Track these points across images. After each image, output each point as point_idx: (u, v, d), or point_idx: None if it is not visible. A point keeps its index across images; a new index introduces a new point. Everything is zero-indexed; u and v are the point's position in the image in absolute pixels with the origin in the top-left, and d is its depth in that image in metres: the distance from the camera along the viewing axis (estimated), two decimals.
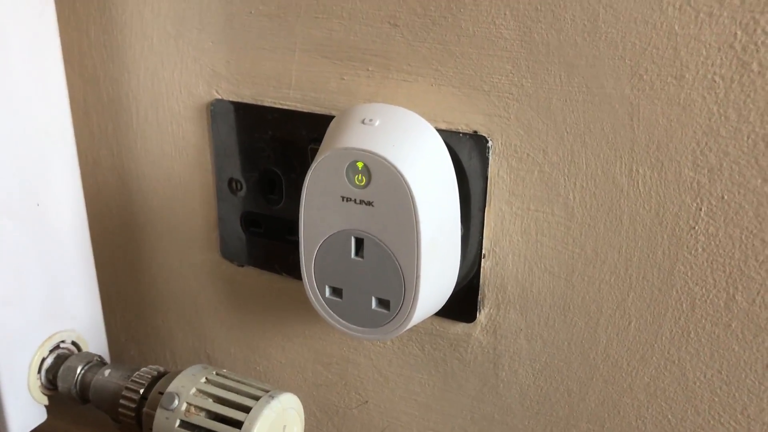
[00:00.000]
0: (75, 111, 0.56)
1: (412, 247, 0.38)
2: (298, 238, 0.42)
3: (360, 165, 0.38)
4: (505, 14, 0.39)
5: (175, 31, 0.50)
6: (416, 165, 0.38)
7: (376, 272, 0.40)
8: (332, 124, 0.41)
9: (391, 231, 0.39)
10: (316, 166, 0.39)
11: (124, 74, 0.54)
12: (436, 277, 0.40)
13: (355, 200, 0.39)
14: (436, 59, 0.42)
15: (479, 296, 0.45)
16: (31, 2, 0.47)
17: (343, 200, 0.39)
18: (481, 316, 0.46)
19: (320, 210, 0.40)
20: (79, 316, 0.55)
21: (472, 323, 0.46)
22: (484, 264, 0.44)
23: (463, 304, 0.45)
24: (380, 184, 0.38)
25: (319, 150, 0.40)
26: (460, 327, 0.47)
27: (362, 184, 0.38)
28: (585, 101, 0.39)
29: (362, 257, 0.40)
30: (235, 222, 0.53)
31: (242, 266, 0.54)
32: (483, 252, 0.44)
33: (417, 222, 0.38)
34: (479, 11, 0.40)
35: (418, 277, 0.39)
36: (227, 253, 0.54)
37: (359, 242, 0.40)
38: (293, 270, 0.52)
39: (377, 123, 0.39)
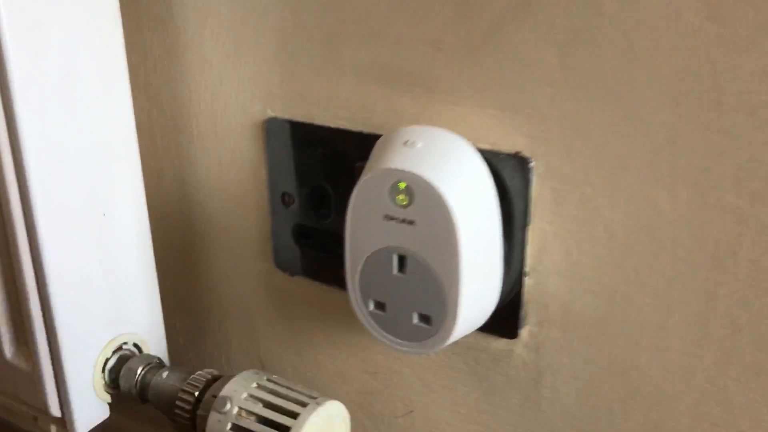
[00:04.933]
0: (140, 127, 0.59)
1: (453, 265, 0.40)
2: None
3: (402, 185, 0.40)
4: (545, 39, 0.40)
5: (233, 53, 0.53)
6: (457, 185, 0.39)
7: (418, 289, 0.41)
8: (377, 145, 0.43)
9: (432, 249, 0.40)
10: (361, 185, 0.41)
11: (186, 93, 0.57)
12: (477, 294, 0.41)
13: (397, 219, 0.40)
14: (479, 82, 0.43)
15: (521, 313, 0.46)
16: (100, 25, 0.50)
17: (386, 219, 0.41)
18: (524, 332, 0.46)
19: (364, 228, 0.42)
20: (140, 321, 0.59)
21: (515, 340, 0.47)
22: (527, 281, 0.45)
23: (505, 320, 0.46)
24: (422, 204, 0.39)
25: (364, 170, 0.42)
26: (502, 343, 0.48)
27: (404, 203, 0.40)
28: (625, 125, 0.39)
29: (404, 273, 0.42)
30: (287, 234, 0.55)
31: (294, 276, 0.57)
32: (525, 270, 0.45)
33: (458, 241, 0.39)
34: (519, 37, 0.41)
35: (458, 294, 0.40)
36: (280, 263, 0.57)
37: (401, 259, 0.42)
38: (341, 281, 0.53)
39: (419, 145, 0.40)
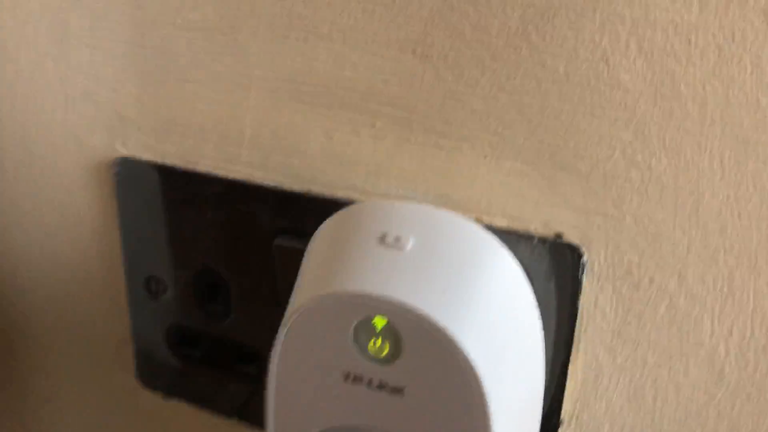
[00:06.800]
0: None
1: None
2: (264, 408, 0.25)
3: (380, 323, 0.21)
4: (628, 46, 0.22)
5: (55, 48, 0.32)
6: (485, 328, 0.21)
7: None
8: (322, 236, 0.24)
9: None
10: (298, 318, 0.22)
11: None
12: None
13: (370, 382, 0.22)
14: (495, 116, 0.25)
15: None
16: None
17: (347, 380, 0.22)
18: None
19: (304, 391, 0.23)
20: None
21: None
22: None
23: None
24: (418, 359, 0.21)
25: (298, 286, 0.23)
26: None
27: (383, 355, 0.21)
28: (763, 202, 0.22)
29: None
30: (157, 337, 0.35)
31: (168, 398, 0.36)
32: (561, 417, 0.28)
33: (487, 426, 0.21)
34: (580, 39, 0.23)
35: None
36: (146, 378, 0.36)
37: None
38: (246, 412, 0.34)
39: (410, 245, 0.21)
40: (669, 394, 0.26)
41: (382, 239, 0.22)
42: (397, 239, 0.21)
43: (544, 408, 0.27)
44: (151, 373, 0.36)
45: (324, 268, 0.22)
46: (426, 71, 0.25)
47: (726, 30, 0.21)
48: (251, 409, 0.34)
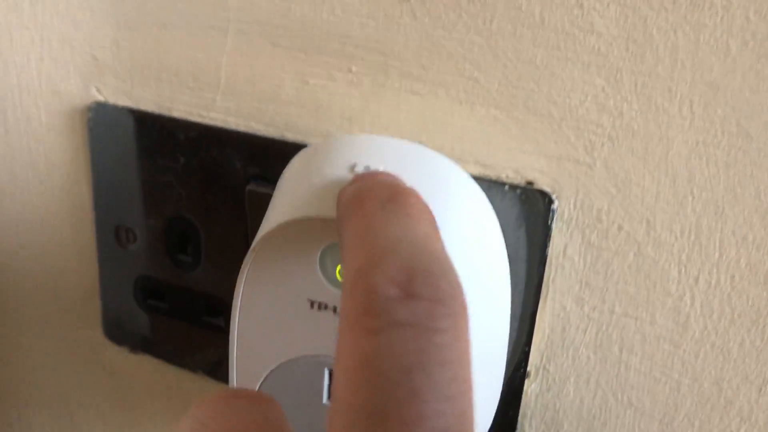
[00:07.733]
0: None
1: None
2: (229, 344, 0.24)
3: None
4: None
5: None
6: (452, 258, 0.21)
7: None
8: (292, 168, 0.24)
9: None
10: (264, 244, 0.22)
11: None
12: None
13: (335, 309, 0.22)
14: (471, 60, 0.25)
15: None
16: None
17: (312, 307, 0.22)
18: None
19: (268, 320, 0.23)
20: None
21: None
22: (528, 387, 0.28)
23: None
24: None
25: (268, 214, 0.23)
26: None
27: None
28: (731, 147, 0.23)
29: None
30: (125, 289, 0.34)
31: (136, 353, 0.36)
32: (528, 369, 0.28)
33: None
34: None
35: None
36: (113, 332, 0.36)
37: None
38: (214, 367, 0.34)
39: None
40: (635, 345, 0.26)
41: (352, 168, 0.22)
42: (367, 168, 0.21)
43: (510, 359, 0.27)
44: (118, 327, 0.36)
45: (293, 197, 0.22)
46: (403, 14, 0.25)
47: None
48: (219, 363, 0.33)
